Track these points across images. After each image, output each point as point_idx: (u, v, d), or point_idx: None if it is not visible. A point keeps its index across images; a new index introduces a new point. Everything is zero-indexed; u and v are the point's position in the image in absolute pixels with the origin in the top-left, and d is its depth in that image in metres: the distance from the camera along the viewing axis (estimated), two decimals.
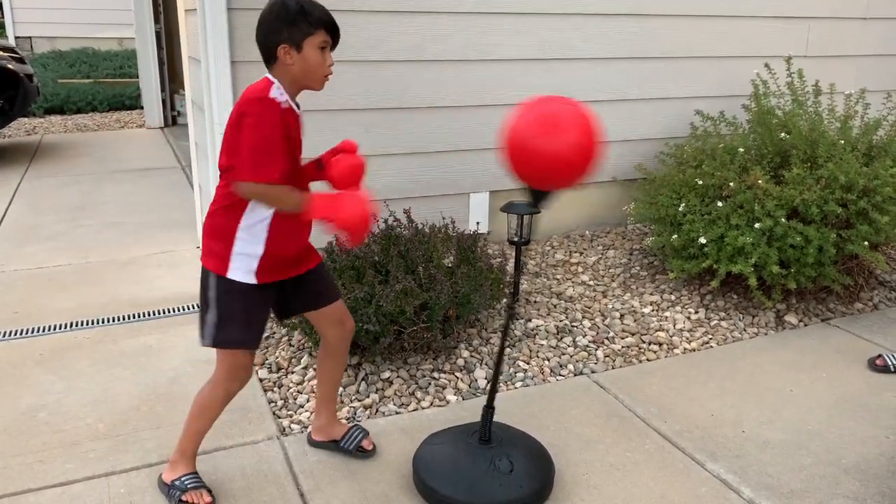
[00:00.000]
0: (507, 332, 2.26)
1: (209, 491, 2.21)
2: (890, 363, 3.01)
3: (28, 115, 8.64)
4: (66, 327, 3.32)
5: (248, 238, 2.04)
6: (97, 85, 9.82)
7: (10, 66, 6.46)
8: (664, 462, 2.46)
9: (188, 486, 2.19)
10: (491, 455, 2.22)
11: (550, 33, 4.02)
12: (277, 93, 1.95)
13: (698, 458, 2.48)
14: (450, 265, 3.14)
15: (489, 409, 2.28)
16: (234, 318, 2.08)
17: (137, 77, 8.88)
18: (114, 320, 3.39)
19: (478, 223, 4.08)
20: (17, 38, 11.80)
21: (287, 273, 2.16)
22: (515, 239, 3.51)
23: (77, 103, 9.16)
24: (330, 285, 2.33)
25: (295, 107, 2.03)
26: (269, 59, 1.98)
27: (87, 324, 3.35)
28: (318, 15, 1.96)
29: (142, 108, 8.65)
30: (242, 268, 2.05)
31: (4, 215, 4.98)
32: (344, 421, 2.59)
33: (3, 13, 12.06)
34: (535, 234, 4.19)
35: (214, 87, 3.32)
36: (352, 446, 2.43)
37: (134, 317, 3.43)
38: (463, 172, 4.01)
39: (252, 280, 2.06)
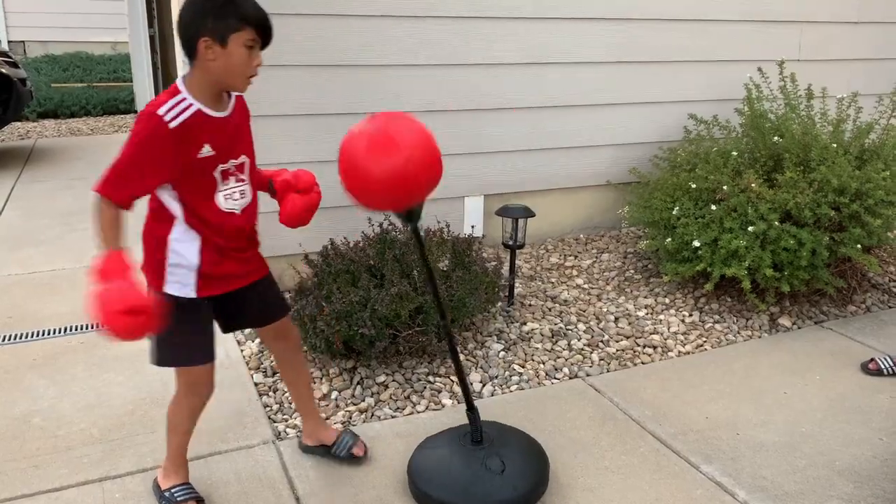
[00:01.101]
0: (455, 350, 2.26)
1: (199, 501, 2.20)
2: (883, 367, 3.03)
3: (21, 120, 8.61)
4: (60, 332, 3.31)
5: (181, 249, 1.95)
6: (91, 89, 9.79)
7: (3, 70, 6.44)
8: (659, 465, 2.47)
9: (178, 498, 2.18)
10: (482, 456, 2.22)
11: (543, 37, 4.04)
12: (173, 108, 1.81)
13: (693, 460, 2.49)
14: (445, 269, 3.15)
15: (470, 411, 2.28)
16: (176, 336, 1.97)
17: (131, 81, 8.87)
18: None
19: (472, 227, 4.09)
20: (10, 42, 11.76)
21: (232, 284, 2.06)
22: (510, 242, 3.53)
23: (71, 107, 9.13)
24: (277, 301, 2.25)
25: (211, 111, 1.88)
26: (190, 52, 1.84)
27: (82, 328, 3.34)
28: (248, 10, 1.81)
29: (136, 112, 8.64)
30: (179, 281, 1.96)
31: None
32: (336, 425, 2.58)
33: None
34: (530, 237, 4.21)
35: None
36: (343, 452, 2.41)
37: None
38: (457, 176, 4.02)
39: (191, 294, 1.97)
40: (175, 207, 1.93)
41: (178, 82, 1.87)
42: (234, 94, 1.99)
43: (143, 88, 8.07)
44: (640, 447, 2.56)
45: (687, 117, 4.29)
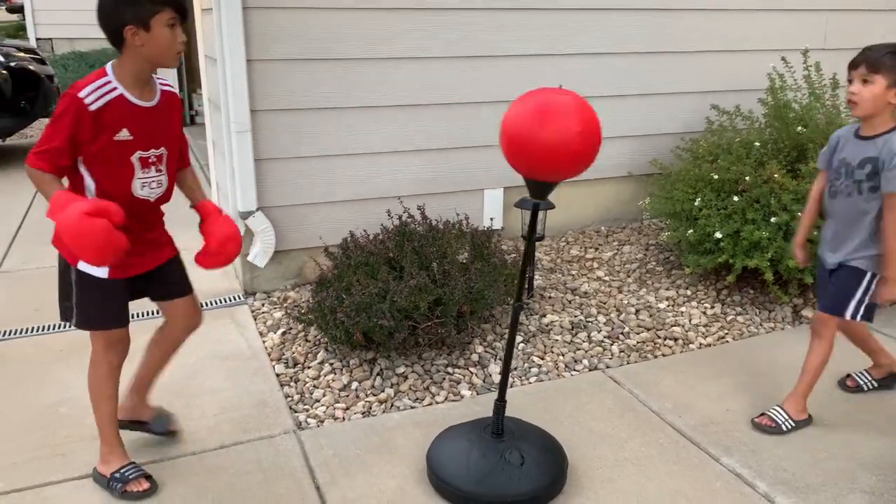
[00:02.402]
0: (516, 324, 2.28)
1: (148, 477, 2.26)
2: (861, 382, 2.86)
3: (49, 116, 8.75)
4: None
5: None
6: None
7: (31, 67, 6.55)
8: (679, 456, 2.46)
9: (128, 476, 2.24)
10: (502, 448, 2.23)
11: (564, 28, 4.02)
12: (95, 91, 1.93)
13: (713, 452, 2.48)
14: (464, 261, 3.15)
15: (500, 402, 2.29)
16: (93, 304, 2.14)
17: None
18: (131, 317, 3.43)
19: (492, 219, 4.09)
20: (37, 39, 11.93)
21: (137, 269, 2.18)
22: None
23: None
24: (183, 278, 2.35)
25: (134, 98, 2.00)
26: (117, 42, 1.96)
27: None
28: None
29: None
30: None
31: (25, 215, 5.05)
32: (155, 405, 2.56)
33: (24, 15, 12.22)
34: (550, 229, 4.19)
35: (231, 85, 3.35)
36: (161, 429, 2.49)
37: (150, 314, 3.46)
38: (477, 169, 4.02)
39: (102, 274, 2.08)
40: (90, 187, 2.05)
41: (108, 66, 2.00)
42: (160, 87, 2.11)
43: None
44: (660, 439, 2.55)
45: (709, 108, 4.24)
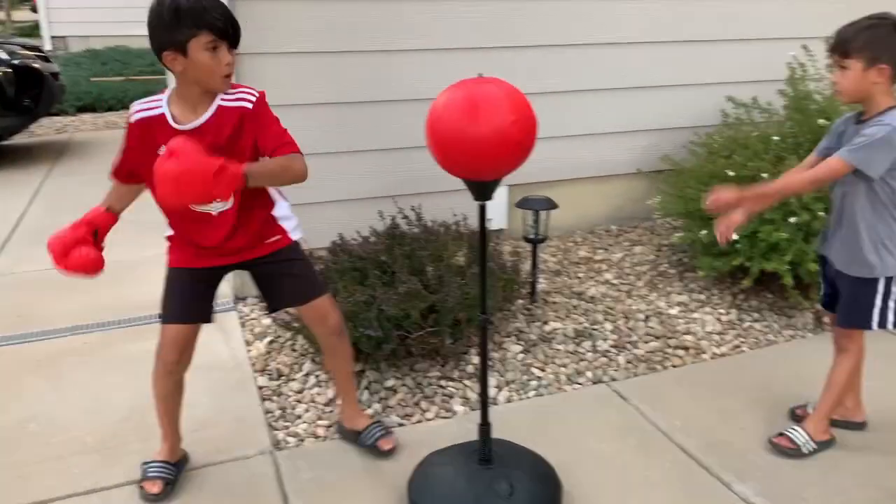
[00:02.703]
0: (486, 341, 2.15)
1: (164, 482, 2.18)
2: (799, 442, 2.38)
3: (59, 114, 8.67)
4: (67, 331, 3.23)
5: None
6: (128, 83, 9.85)
7: (35, 64, 6.46)
8: (686, 482, 2.26)
9: (148, 474, 2.20)
10: (490, 477, 2.05)
11: (571, 18, 3.83)
12: (144, 104, 1.97)
13: (725, 478, 2.27)
14: (461, 265, 2.96)
15: (484, 426, 2.10)
16: (164, 295, 2.15)
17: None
18: (118, 323, 3.30)
19: (490, 220, 3.87)
20: (52, 37, 11.95)
21: (214, 261, 2.11)
22: (531, 236, 3.34)
23: (108, 101, 9.19)
24: (303, 282, 2.22)
25: (175, 119, 1.93)
26: (164, 66, 1.92)
27: (90, 328, 3.26)
28: (198, 14, 1.81)
29: None
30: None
31: (23, 216, 4.93)
32: (369, 413, 2.55)
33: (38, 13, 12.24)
34: (558, 229, 4.00)
35: None
36: (369, 442, 2.38)
37: (138, 320, 3.32)
38: None
39: (176, 262, 2.11)
40: None
41: (169, 86, 2.00)
42: (217, 105, 1.94)
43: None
44: (666, 462, 2.35)
45: (724, 100, 4.02)
